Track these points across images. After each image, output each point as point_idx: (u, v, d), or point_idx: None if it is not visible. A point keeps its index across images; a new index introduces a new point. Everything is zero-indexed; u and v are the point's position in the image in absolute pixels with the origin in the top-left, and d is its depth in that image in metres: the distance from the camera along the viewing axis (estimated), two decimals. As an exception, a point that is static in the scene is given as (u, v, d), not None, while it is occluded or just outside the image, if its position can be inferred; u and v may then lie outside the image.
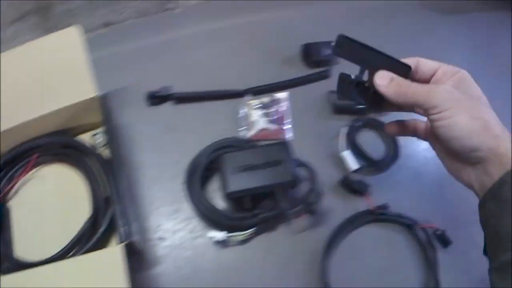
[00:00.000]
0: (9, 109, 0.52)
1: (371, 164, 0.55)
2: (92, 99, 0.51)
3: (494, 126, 0.34)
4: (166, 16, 0.63)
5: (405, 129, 0.41)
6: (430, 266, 0.51)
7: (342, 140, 0.54)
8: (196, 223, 0.50)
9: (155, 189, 0.52)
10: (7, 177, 0.55)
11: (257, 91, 0.56)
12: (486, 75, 0.63)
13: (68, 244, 0.49)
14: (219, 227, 0.49)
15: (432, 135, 0.38)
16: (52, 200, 0.54)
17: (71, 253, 0.50)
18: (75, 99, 0.51)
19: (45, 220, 0.54)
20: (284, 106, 0.55)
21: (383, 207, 0.53)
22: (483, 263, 0.52)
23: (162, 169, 0.53)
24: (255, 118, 0.54)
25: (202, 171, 0.50)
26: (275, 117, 0.54)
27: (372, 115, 0.58)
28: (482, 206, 0.35)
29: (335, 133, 0.55)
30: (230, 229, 0.49)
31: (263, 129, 0.54)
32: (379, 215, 0.52)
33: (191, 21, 0.63)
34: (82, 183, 0.53)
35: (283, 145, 0.50)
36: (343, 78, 0.39)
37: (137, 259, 0.48)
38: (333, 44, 0.37)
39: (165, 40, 0.61)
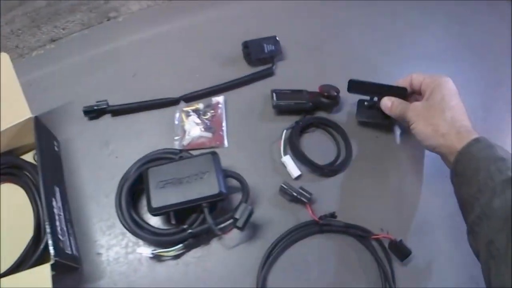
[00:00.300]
0: None
1: (315, 170, 0.50)
2: (26, 120, 0.52)
3: (442, 127, 0.45)
4: (109, 25, 0.62)
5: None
6: (386, 280, 0.47)
7: (282, 144, 0.51)
8: (129, 238, 0.50)
9: (92, 205, 0.52)
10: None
11: (192, 97, 0.53)
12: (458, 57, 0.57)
13: (15, 263, 0.51)
14: (148, 242, 0.48)
15: None
16: (3, 219, 0.57)
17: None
18: (11, 122, 0.53)
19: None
20: (220, 111, 0.52)
21: (331, 216, 0.49)
22: (447, 274, 0.47)
23: (99, 184, 0.52)
24: (189, 126, 0.52)
25: (129, 186, 0.49)
26: (211, 123, 0.52)
27: (321, 114, 0.54)
28: (451, 182, 0.45)
29: (278, 136, 0.52)
30: (158, 245, 0.47)
31: (198, 137, 0.51)
32: (323, 226, 0.49)
33: (133, 28, 0.61)
34: (25, 203, 0.55)
35: (210, 155, 0.47)
36: (361, 103, 0.54)
37: (76, 274, 0.49)
38: (347, 87, 0.50)
39: (107, 50, 0.60)
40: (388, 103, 0.51)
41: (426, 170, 0.53)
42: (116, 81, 0.58)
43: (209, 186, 0.46)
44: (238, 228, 0.45)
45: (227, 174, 0.48)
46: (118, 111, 0.55)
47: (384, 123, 0.53)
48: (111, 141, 0.54)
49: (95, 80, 0.58)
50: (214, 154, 0.48)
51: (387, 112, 0.51)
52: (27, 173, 0.55)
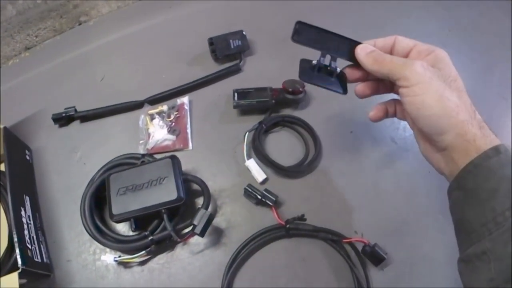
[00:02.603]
0: None
1: (280, 172, 0.49)
2: (-1, 130, 0.54)
3: (463, 111, 0.33)
4: (80, 30, 0.63)
5: (388, 110, 0.41)
6: (359, 286, 0.45)
7: (245, 148, 0.49)
8: (97, 245, 0.50)
9: (62, 212, 0.53)
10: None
11: (157, 99, 0.53)
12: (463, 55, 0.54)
13: None
14: (111, 249, 0.49)
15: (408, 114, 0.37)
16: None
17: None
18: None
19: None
20: (185, 112, 0.52)
21: (299, 219, 0.48)
22: (428, 278, 0.45)
23: (68, 191, 0.54)
24: (153, 129, 0.52)
25: (92, 193, 0.49)
26: (175, 125, 0.51)
27: (287, 111, 0.52)
28: (449, 193, 0.36)
29: (242, 138, 0.51)
30: (122, 251, 0.48)
31: (162, 140, 0.51)
32: (291, 230, 0.47)
33: (103, 31, 0.62)
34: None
35: (170, 160, 0.47)
36: (305, 64, 0.41)
37: (48, 281, 0.51)
38: (292, 32, 0.38)
39: (78, 55, 0.61)
40: (367, 47, 0.37)
41: (404, 167, 0.50)
42: (85, 86, 0.59)
43: (168, 192, 0.46)
44: (197, 234, 0.45)
45: (187, 179, 0.47)
46: (86, 117, 0.55)
47: (339, 91, 0.40)
48: (80, 147, 0.55)
49: (66, 86, 0.59)
50: (173, 158, 0.47)
51: (360, 57, 0.37)
52: (0, 183, 0.57)
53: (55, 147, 0.56)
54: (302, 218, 0.48)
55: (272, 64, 0.54)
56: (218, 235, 0.48)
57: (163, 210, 0.46)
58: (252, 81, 0.52)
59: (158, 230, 0.47)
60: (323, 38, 0.39)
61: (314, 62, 0.40)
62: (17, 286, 0.44)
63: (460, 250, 0.35)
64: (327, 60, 0.39)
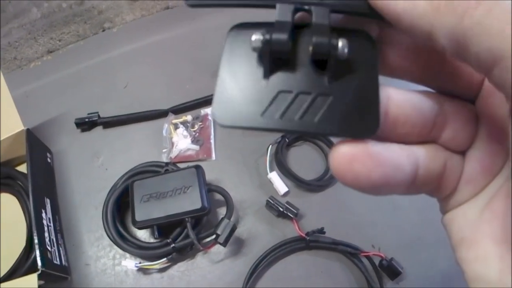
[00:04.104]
0: None
1: (302, 185, 0.51)
2: (19, 132, 0.55)
3: None
4: (104, 36, 0.65)
5: None
6: None
7: (268, 160, 0.51)
8: (117, 250, 0.52)
9: (82, 216, 0.54)
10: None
11: (181, 109, 0.55)
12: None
13: (7, 272, 0.55)
14: (133, 255, 0.50)
15: None
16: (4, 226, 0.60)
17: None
18: (4, 135, 0.56)
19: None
20: (209, 123, 0.54)
21: (319, 232, 0.50)
22: None
23: (89, 196, 0.55)
24: (177, 138, 0.53)
25: (115, 199, 0.51)
26: (199, 135, 0.53)
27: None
28: None
29: (265, 150, 0.53)
30: (143, 258, 0.49)
31: (186, 150, 0.53)
32: (311, 242, 0.49)
33: (127, 38, 0.64)
34: (20, 215, 0.58)
35: (194, 169, 0.49)
36: None
37: (65, 284, 0.52)
38: None
39: (101, 61, 0.63)
40: None
41: None
42: (108, 92, 0.60)
43: (192, 201, 0.47)
44: (220, 243, 0.47)
45: (211, 189, 0.49)
46: (109, 123, 0.57)
47: None
48: (102, 153, 0.57)
49: (88, 92, 0.61)
50: (198, 167, 0.49)
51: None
52: (21, 184, 0.58)
53: (76, 152, 0.58)
54: (321, 231, 0.50)
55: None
56: (238, 245, 0.50)
57: (186, 219, 0.47)
58: None
59: (180, 238, 0.49)
60: None
61: None
62: (36, 287, 0.44)
63: None
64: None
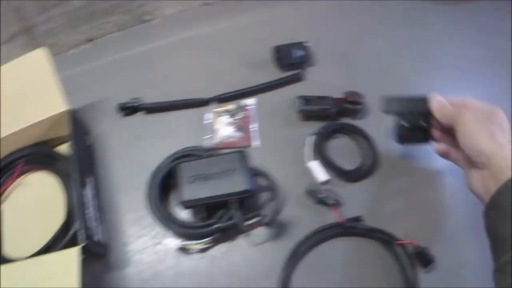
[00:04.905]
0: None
1: (341, 175, 0.55)
2: (62, 113, 0.57)
3: (500, 137, 0.41)
4: (144, 28, 0.68)
5: (449, 152, 0.49)
6: (408, 286, 0.49)
7: (308, 149, 0.55)
8: (158, 230, 0.54)
9: (122, 196, 0.57)
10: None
11: (223, 99, 0.58)
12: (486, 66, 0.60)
13: (43, 246, 0.56)
14: (176, 234, 0.52)
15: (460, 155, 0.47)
16: (37, 204, 0.62)
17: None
18: (46, 114, 0.58)
19: (30, 223, 0.61)
20: (250, 113, 0.57)
21: (356, 219, 0.53)
22: (468, 283, 0.49)
23: (130, 177, 0.57)
24: (219, 125, 0.56)
25: (161, 180, 0.53)
26: (240, 124, 0.56)
27: (346, 120, 0.58)
28: (485, 213, 0.41)
29: (303, 141, 0.56)
30: (187, 237, 0.52)
31: (227, 137, 0.56)
32: (348, 229, 0.52)
33: (166, 31, 0.67)
34: (55, 190, 0.60)
35: (239, 153, 0.52)
36: (401, 129, 0.50)
37: (102, 261, 0.53)
38: (382, 106, 0.48)
39: (140, 51, 0.66)
40: (441, 101, 0.46)
41: (455, 182, 0.56)
42: (147, 82, 0.63)
43: (237, 183, 0.50)
44: (266, 224, 0.50)
45: (255, 172, 0.52)
46: (151, 108, 0.60)
47: (428, 143, 0.51)
48: (143, 137, 0.59)
49: (127, 80, 0.64)
50: (242, 152, 0.52)
51: (437, 113, 0.47)
52: (60, 163, 0.60)
53: (118, 135, 0.60)
54: (358, 219, 0.53)
55: (331, 76, 0.60)
56: (278, 229, 0.52)
57: (232, 200, 0.50)
58: (312, 90, 0.58)
59: (223, 219, 0.51)
60: (406, 103, 0.49)
61: (405, 124, 0.49)
62: (78, 260, 0.45)
63: (494, 262, 0.39)
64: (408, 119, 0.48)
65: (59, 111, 0.57)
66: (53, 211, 0.59)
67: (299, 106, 0.57)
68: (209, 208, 0.52)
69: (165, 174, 0.54)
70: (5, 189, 0.63)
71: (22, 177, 0.63)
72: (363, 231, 0.52)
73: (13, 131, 0.59)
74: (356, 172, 0.55)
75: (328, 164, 0.55)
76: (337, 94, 0.57)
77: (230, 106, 0.58)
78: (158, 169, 0.55)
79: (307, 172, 0.55)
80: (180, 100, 0.59)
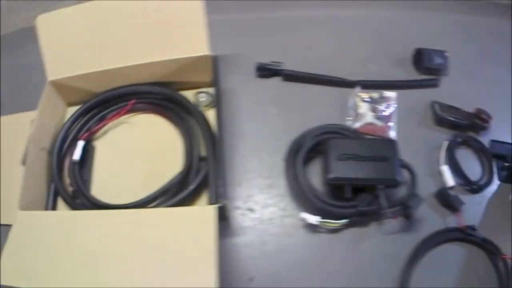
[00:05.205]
0: (117, 50, 0.54)
1: (467, 183, 0.56)
2: (202, 57, 0.53)
3: None
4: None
5: None
6: None
7: (442, 153, 0.56)
8: (288, 202, 0.52)
9: (252, 160, 0.54)
10: (98, 116, 0.58)
11: (367, 85, 0.58)
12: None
13: (153, 194, 0.51)
14: (312, 210, 0.50)
15: None
16: (140, 148, 0.57)
17: (152, 204, 0.51)
18: (185, 54, 0.54)
19: (127, 167, 0.56)
20: (392, 106, 0.57)
21: (471, 228, 0.54)
22: None
23: (262, 141, 0.55)
24: (363, 110, 0.56)
25: (307, 151, 0.52)
26: (383, 114, 0.56)
27: (472, 133, 0.59)
28: None
29: (434, 144, 0.57)
30: (323, 215, 0.50)
31: (369, 124, 0.56)
32: (467, 235, 0.54)
33: (313, 3, 0.65)
34: (175, 138, 0.55)
35: (391, 142, 0.52)
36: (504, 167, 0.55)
37: (223, 225, 0.50)
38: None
39: (283, 17, 0.64)
40: None
41: None
42: (288, 48, 0.61)
43: (388, 171, 0.50)
44: (408, 216, 0.50)
45: (402, 164, 0.52)
46: (291, 76, 0.58)
47: None
48: (280, 103, 0.57)
49: (268, 42, 0.61)
50: (394, 141, 0.52)
51: None
52: (183, 111, 0.55)
53: (251, 94, 0.57)
54: (473, 227, 0.55)
55: (461, 89, 0.61)
56: (408, 224, 0.52)
57: (380, 186, 0.49)
58: (441, 99, 0.59)
59: (364, 203, 0.50)
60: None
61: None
62: (213, 220, 0.42)
63: None
64: None
65: (199, 54, 0.53)
66: (156, 159, 0.55)
67: (438, 111, 0.57)
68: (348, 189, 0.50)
69: (312, 146, 0.52)
70: (106, 124, 0.57)
71: (129, 115, 0.58)
72: (477, 239, 0.53)
73: (139, 62, 0.54)
74: (478, 183, 0.57)
75: (457, 171, 0.56)
76: (464, 108, 0.59)
77: (374, 94, 0.57)
78: (303, 140, 0.53)
79: (436, 175, 0.56)
80: (326, 76, 0.58)
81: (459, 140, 0.58)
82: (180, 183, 0.52)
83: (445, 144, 0.57)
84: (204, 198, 0.51)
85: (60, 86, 0.58)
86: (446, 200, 0.54)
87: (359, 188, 0.50)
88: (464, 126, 0.59)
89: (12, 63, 0.68)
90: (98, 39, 0.55)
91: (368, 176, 0.49)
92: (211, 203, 0.49)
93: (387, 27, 0.64)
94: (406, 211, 0.50)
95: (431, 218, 0.54)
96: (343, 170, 0.50)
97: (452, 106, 0.59)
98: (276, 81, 0.58)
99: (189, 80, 0.57)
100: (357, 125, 0.56)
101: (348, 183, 0.50)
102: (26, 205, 0.49)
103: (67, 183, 0.55)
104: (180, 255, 0.40)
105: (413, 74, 0.61)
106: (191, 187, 0.51)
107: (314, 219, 0.50)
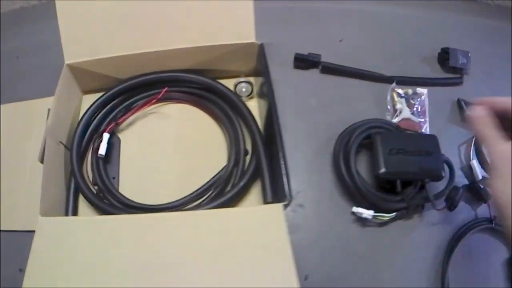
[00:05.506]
0: (148, 32, 0.50)
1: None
2: (248, 44, 0.50)
3: None
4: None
5: None
6: None
7: (472, 148, 0.58)
8: (338, 197, 0.51)
9: (297, 154, 0.52)
10: (124, 105, 0.52)
11: (401, 81, 0.58)
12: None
13: (195, 192, 0.47)
14: (364, 204, 0.50)
15: None
16: (172, 142, 0.52)
17: (196, 203, 0.47)
18: (230, 40, 0.50)
19: (157, 162, 0.51)
20: (425, 101, 0.58)
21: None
22: None
23: (305, 135, 0.53)
24: (400, 106, 0.56)
25: (357, 145, 0.51)
26: (418, 110, 0.57)
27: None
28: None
29: (461, 140, 0.59)
30: (375, 209, 0.50)
31: (407, 119, 0.56)
32: (496, 225, 0.56)
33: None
34: (211, 129, 0.52)
35: (433, 137, 0.53)
36: None
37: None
38: None
39: (319, 8, 0.63)
40: (479, 113, 0.37)
41: None
42: (322, 40, 0.60)
43: (432, 165, 0.51)
44: (451, 208, 0.51)
45: (444, 159, 0.53)
46: (329, 68, 0.57)
47: None
48: (319, 96, 0.56)
49: (301, 32, 0.59)
50: (436, 137, 0.53)
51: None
52: (223, 102, 0.51)
53: (290, 86, 0.55)
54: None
55: (483, 88, 0.64)
56: (446, 215, 0.54)
57: (426, 180, 0.50)
58: (465, 96, 0.62)
59: (409, 196, 0.51)
60: None
61: None
62: (282, 217, 0.41)
63: None
64: None
65: (245, 41, 0.50)
66: (192, 153, 0.52)
67: (467, 109, 0.60)
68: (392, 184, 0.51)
69: (361, 140, 0.51)
70: (134, 113, 0.52)
71: (159, 104, 0.53)
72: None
73: (176, 47, 0.50)
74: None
75: (484, 164, 0.58)
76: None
77: (409, 90, 0.58)
78: (352, 133, 0.52)
79: (464, 169, 0.58)
80: (363, 70, 0.57)
81: (482, 136, 0.61)
82: (227, 179, 0.48)
83: (473, 140, 0.59)
84: (251, 195, 0.49)
85: (78, 71, 0.51)
86: (477, 192, 0.57)
87: (405, 182, 0.51)
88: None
89: (11, 46, 0.60)
90: (126, 19, 0.50)
91: (417, 170, 0.50)
92: (266, 201, 0.46)
93: (413, 25, 0.65)
94: (450, 202, 0.51)
95: (464, 210, 0.55)
96: (393, 164, 0.50)
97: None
98: (313, 73, 0.57)
99: (227, 69, 0.53)
100: (395, 120, 0.56)
101: (398, 177, 0.50)
102: (46, 209, 0.42)
103: (89, 181, 0.49)
104: (256, 258, 0.37)
105: (438, 72, 0.63)
106: (242, 183, 0.47)
107: (368, 213, 0.49)
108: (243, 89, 0.53)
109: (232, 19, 0.49)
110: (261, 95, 0.52)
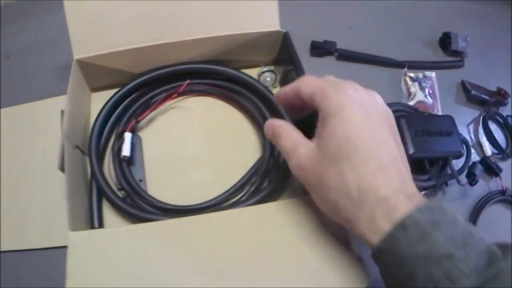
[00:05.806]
0: (164, 21, 0.47)
1: (499, 152, 0.62)
2: (273, 32, 0.49)
3: (342, 205, 0.30)
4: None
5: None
6: None
7: (480, 127, 0.61)
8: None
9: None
10: (142, 100, 0.49)
11: (412, 66, 0.60)
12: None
13: (232, 188, 0.46)
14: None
15: None
16: (199, 137, 0.49)
17: (234, 200, 0.45)
18: (255, 28, 0.49)
19: (186, 158, 0.48)
20: (434, 84, 0.60)
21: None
22: None
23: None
24: (414, 89, 0.58)
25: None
26: (429, 92, 0.59)
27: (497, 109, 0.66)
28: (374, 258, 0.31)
29: (468, 119, 0.62)
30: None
31: (421, 101, 0.58)
32: (509, 196, 0.59)
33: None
34: (238, 121, 0.50)
35: (450, 118, 0.55)
36: None
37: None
38: None
39: None
40: (269, 125, 0.36)
41: None
42: (333, 28, 0.60)
43: (454, 144, 0.53)
44: (473, 183, 0.54)
45: (462, 138, 0.55)
46: (345, 56, 0.57)
47: None
48: (339, 82, 0.55)
49: (317, 20, 0.59)
50: (452, 117, 0.55)
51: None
52: (254, 94, 0.50)
53: (307, 73, 0.54)
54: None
55: (484, 70, 0.68)
56: (464, 189, 0.56)
57: (450, 158, 0.52)
58: (466, 78, 0.65)
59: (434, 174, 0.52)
60: None
61: None
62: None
63: None
64: None
65: (269, 30, 0.49)
66: (220, 148, 0.49)
67: (470, 89, 0.63)
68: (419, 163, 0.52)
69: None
70: (154, 110, 0.49)
71: (180, 98, 0.50)
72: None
73: (196, 37, 0.47)
74: (506, 151, 0.63)
75: (490, 141, 0.62)
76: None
77: (420, 74, 0.60)
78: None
79: (474, 146, 0.61)
80: (378, 56, 0.58)
81: (490, 114, 0.65)
82: (264, 172, 0.46)
83: (481, 118, 0.62)
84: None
85: (88, 67, 0.47)
86: (489, 167, 0.60)
87: (430, 161, 0.53)
88: (491, 103, 0.65)
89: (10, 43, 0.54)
90: (140, 8, 0.47)
91: (442, 149, 0.52)
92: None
93: (413, 11, 0.68)
94: (472, 178, 0.54)
95: (479, 184, 0.57)
96: (421, 145, 0.51)
97: (478, 85, 0.65)
98: (329, 60, 0.57)
99: (249, 58, 0.52)
100: (411, 103, 0.58)
101: (427, 157, 0.51)
102: (74, 222, 0.38)
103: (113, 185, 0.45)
104: (319, 254, 0.36)
105: (440, 56, 0.66)
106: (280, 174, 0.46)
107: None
108: (268, 78, 0.51)
109: (255, 7, 0.48)
110: (285, 83, 0.51)
